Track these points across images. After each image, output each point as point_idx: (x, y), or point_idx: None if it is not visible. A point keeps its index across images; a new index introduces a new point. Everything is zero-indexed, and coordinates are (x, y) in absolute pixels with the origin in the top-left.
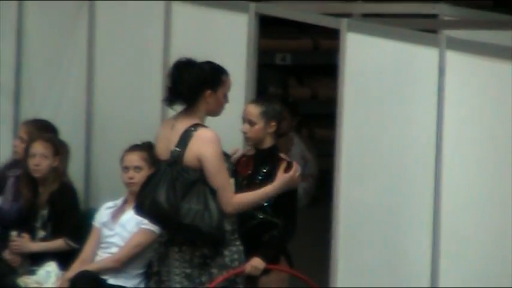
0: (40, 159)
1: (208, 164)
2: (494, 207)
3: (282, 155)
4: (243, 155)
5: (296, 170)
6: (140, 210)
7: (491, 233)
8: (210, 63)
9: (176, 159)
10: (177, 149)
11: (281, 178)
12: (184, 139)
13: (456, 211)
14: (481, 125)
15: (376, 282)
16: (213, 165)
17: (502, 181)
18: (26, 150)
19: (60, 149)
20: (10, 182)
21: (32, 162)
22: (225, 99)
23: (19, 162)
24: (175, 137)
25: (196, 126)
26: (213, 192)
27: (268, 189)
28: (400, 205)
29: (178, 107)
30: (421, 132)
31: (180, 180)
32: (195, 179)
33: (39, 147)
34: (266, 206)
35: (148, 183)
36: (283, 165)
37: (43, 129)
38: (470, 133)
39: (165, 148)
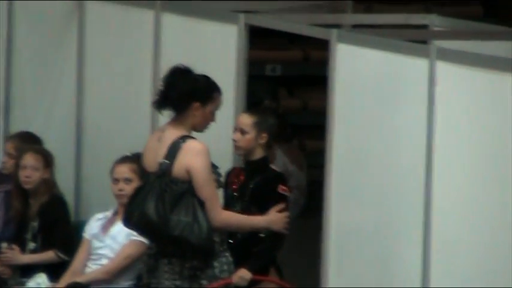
0: (31, 171)
1: (197, 175)
2: (485, 218)
3: (273, 167)
4: (234, 167)
5: (286, 216)
6: (129, 222)
7: (482, 244)
8: (205, 77)
9: (165, 171)
10: (166, 160)
11: (272, 216)
12: (173, 151)
13: (447, 221)
14: (471, 136)
15: None
16: (201, 177)
17: (493, 191)
18: (17, 162)
19: (50, 161)
20: (0, 197)
21: (23, 174)
22: (212, 117)
23: (8, 177)
24: (163, 148)
25: (184, 137)
26: (202, 204)
27: (258, 221)
28: (391, 215)
29: (166, 113)
30: (411, 143)
31: (168, 192)
32: (184, 191)
33: (30, 159)
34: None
35: (137, 196)
36: (279, 206)
37: (29, 142)
38: (461, 143)
39: (152, 160)
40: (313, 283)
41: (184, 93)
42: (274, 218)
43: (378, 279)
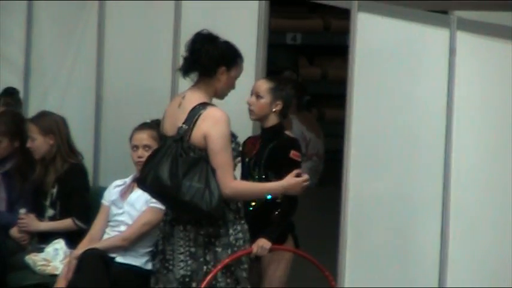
0: (30, 141)
1: (212, 142)
2: (504, 191)
3: (287, 133)
4: (249, 136)
5: (304, 180)
6: (143, 184)
7: (501, 219)
8: (228, 43)
9: (182, 135)
10: (184, 125)
11: (289, 180)
12: (192, 117)
13: (465, 191)
14: (491, 106)
15: (384, 265)
16: (216, 145)
17: None
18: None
19: (52, 126)
20: None
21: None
22: (233, 83)
23: (2, 160)
24: (182, 114)
25: (205, 104)
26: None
27: (271, 186)
28: (409, 185)
29: (187, 80)
30: (430, 113)
31: (184, 157)
32: (199, 157)
33: (29, 130)
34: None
35: (153, 158)
36: (295, 171)
37: (15, 120)
38: (480, 114)
39: (171, 125)
40: (330, 251)
41: (214, 57)
42: (290, 182)
43: (395, 249)
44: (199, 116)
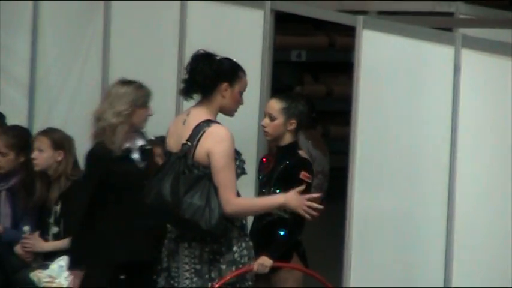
0: (37, 152)
1: (216, 160)
2: (509, 206)
3: (301, 152)
4: (266, 154)
5: (308, 197)
6: (146, 200)
7: (505, 235)
8: (228, 59)
9: (186, 152)
10: (188, 143)
11: (292, 194)
12: (196, 134)
13: (470, 208)
14: (495, 123)
15: (388, 282)
16: (219, 162)
17: None
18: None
19: (64, 143)
20: (2, 197)
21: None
22: (241, 98)
23: (5, 177)
24: (187, 131)
25: (209, 122)
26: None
27: (271, 198)
28: (414, 202)
29: (193, 100)
30: (435, 130)
31: (186, 175)
32: (202, 175)
33: (36, 142)
34: None
35: (156, 175)
36: (301, 187)
37: (19, 137)
38: (485, 131)
39: (176, 141)
40: (335, 267)
41: (211, 75)
42: (291, 196)
43: (399, 266)
44: (203, 133)
